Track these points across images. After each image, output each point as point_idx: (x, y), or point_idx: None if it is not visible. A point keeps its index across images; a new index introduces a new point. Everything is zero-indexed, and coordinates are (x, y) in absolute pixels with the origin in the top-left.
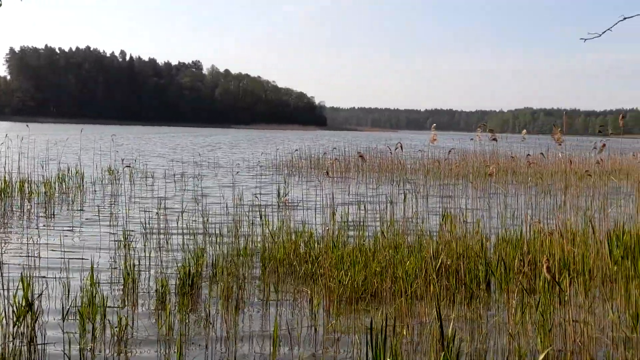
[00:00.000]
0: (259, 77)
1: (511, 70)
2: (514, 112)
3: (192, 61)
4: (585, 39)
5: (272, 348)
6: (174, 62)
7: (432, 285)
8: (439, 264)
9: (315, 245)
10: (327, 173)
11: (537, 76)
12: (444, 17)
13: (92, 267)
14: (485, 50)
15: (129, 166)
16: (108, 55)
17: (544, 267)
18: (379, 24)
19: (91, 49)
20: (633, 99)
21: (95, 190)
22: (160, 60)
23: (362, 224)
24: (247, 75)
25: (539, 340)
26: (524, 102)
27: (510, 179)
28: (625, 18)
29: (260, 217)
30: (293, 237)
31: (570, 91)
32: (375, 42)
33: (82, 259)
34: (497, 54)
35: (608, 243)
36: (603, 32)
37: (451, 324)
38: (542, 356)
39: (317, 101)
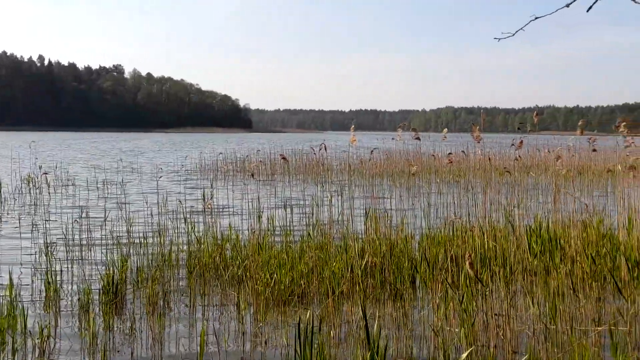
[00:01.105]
0: (182, 80)
1: (433, 69)
2: (436, 111)
3: (113, 65)
4: (499, 39)
5: (199, 352)
6: (95, 67)
7: (358, 285)
8: (364, 264)
9: (242, 248)
10: (252, 175)
11: (458, 75)
12: (365, 18)
13: (10, 278)
14: (408, 50)
15: (47, 174)
16: (26, 60)
17: (467, 262)
18: (302, 26)
19: (7, 54)
20: (549, 96)
21: (14, 199)
22: (80, 65)
23: (288, 225)
24: (170, 79)
25: (463, 335)
26: (445, 101)
27: (433, 177)
28: (536, 18)
29: (185, 222)
30: (219, 241)
31: (490, 89)
32: (299, 44)
33: (0, 269)
34: (419, 54)
35: (527, 238)
36: (516, 32)
37: (376, 322)
38: (465, 355)
39: (242, 103)
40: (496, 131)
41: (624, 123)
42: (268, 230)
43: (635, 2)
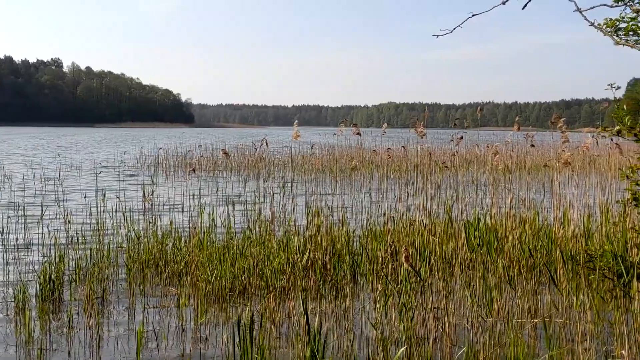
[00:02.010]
0: (122, 74)
1: (376, 66)
2: (379, 107)
3: (52, 59)
4: (438, 36)
5: (137, 350)
6: (32, 60)
7: (299, 280)
8: (305, 259)
9: (183, 244)
10: (194, 171)
11: (400, 72)
12: (309, 15)
13: None
14: (351, 46)
15: None
16: None
17: (403, 256)
18: (246, 22)
19: None
20: (489, 93)
21: None
22: (17, 58)
23: (230, 221)
24: (110, 73)
25: (402, 328)
26: (387, 97)
27: (375, 172)
28: (473, 15)
29: (125, 218)
30: (160, 236)
31: (432, 86)
32: (243, 39)
33: None
34: (362, 50)
35: (466, 232)
36: (454, 29)
37: (317, 316)
38: (403, 349)
39: (183, 98)
40: (437, 127)
41: (561, 119)
42: (209, 226)
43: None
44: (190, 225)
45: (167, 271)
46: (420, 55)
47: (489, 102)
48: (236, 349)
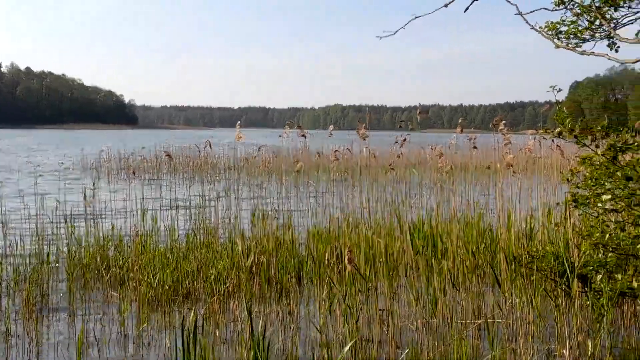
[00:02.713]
0: (63, 75)
1: (322, 68)
2: (325, 109)
3: None
4: (381, 37)
5: (76, 357)
6: None
7: (243, 284)
8: (250, 262)
9: (125, 248)
10: (134, 173)
11: (347, 74)
12: (255, 17)
13: None
14: (297, 48)
15: None
16: None
17: (346, 258)
18: (191, 22)
19: None
20: (435, 95)
21: None
22: None
23: (174, 224)
24: (51, 73)
25: (347, 331)
26: (334, 100)
27: (321, 175)
28: (416, 17)
29: (65, 222)
30: (101, 241)
31: (378, 88)
32: (188, 40)
33: None
34: (308, 52)
35: (411, 234)
36: (397, 31)
37: (261, 320)
38: (347, 348)
39: (127, 99)
40: (383, 129)
41: (503, 121)
42: (152, 229)
43: (510, 3)
44: (133, 229)
45: (108, 276)
46: (367, 58)
47: (435, 104)
48: (179, 354)
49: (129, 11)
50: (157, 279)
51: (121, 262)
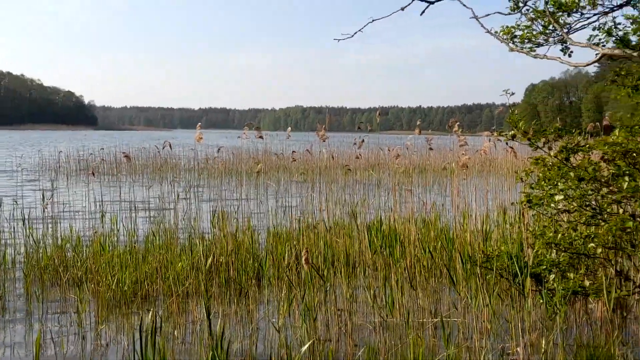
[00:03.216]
0: (22, 75)
1: (283, 69)
2: (286, 110)
3: None
4: (339, 39)
5: (35, 358)
6: None
7: (202, 284)
8: (209, 263)
9: (84, 249)
10: (93, 174)
11: (308, 76)
12: (217, 17)
13: None
14: (258, 50)
15: None
16: None
17: (303, 258)
18: (151, 23)
19: None
20: (394, 97)
21: None
22: None
23: (133, 225)
24: (9, 74)
25: (305, 330)
26: (295, 101)
27: (281, 175)
28: (373, 20)
29: (23, 223)
30: (59, 242)
31: (338, 90)
32: (148, 40)
33: None
34: (269, 54)
35: (368, 234)
36: (355, 33)
37: (219, 320)
38: (305, 347)
39: (86, 100)
40: (343, 130)
41: (457, 123)
42: (111, 231)
43: (465, 7)
44: (92, 230)
45: (67, 277)
46: (328, 60)
47: (394, 106)
48: (137, 354)
49: (90, 13)
50: (115, 280)
51: (79, 263)
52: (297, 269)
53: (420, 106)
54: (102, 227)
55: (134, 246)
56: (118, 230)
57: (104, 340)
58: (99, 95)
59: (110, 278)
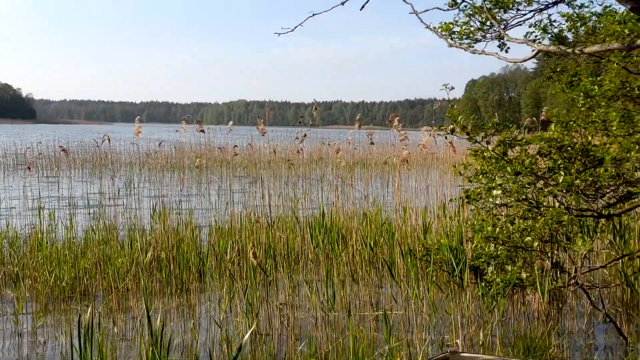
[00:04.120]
0: None
1: (226, 63)
2: (229, 104)
3: None
4: (280, 34)
5: None
6: None
7: (142, 280)
8: (149, 258)
9: (21, 245)
10: (29, 168)
11: (251, 70)
12: (160, 12)
13: None
14: (199, 43)
15: None
16: None
17: (250, 253)
18: (93, 16)
19: None
20: (338, 92)
21: None
22: None
23: (72, 221)
24: None
25: (247, 325)
26: (238, 95)
27: (223, 170)
28: (314, 14)
29: None
30: None
31: (282, 84)
32: (86, 32)
33: None
34: (210, 47)
35: (310, 228)
36: (295, 27)
37: (159, 316)
38: (246, 338)
39: (24, 93)
40: (288, 125)
41: (397, 117)
42: (50, 226)
43: (405, 2)
44: (29, 226)
45: (2, 273)
46: (272, 54)
47: (338, 100)
48: (75, 352)
49: (27, 5)
50: (53, 276)
51: (16, 259)
52: (239, 264)
53: (363, 101)
54: (40, 222)
55: (73, 242)
56: (56, 226)
57: (41, 338)
58: (38, 88)
59: (47, 274)
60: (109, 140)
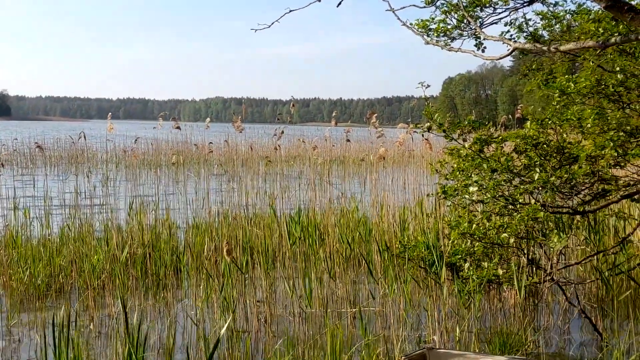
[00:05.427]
0: None
1: (203, 60)
2: (206, 101)
3: None
4: (256, 30)
5: None
6: None
7: (118, 277)
8: (125, 255)
9: None
10: (2, 165)
11: (229, 67)
12: (135, 9)
13: None
14: (176, 39)
15: None
16: None
17: (224, 250)
18: (65, 12)
19: None
20: (316, 90)
21: None
22: None
23: (47, 218)
24: None
25: (224, 322)
26: (216, 92)
27: (201, 167)
28: (290, 10)
29: None
30: None
31: (260, 81)
32: (62, 29)
33: None
34: (187, 43)
35: (287, 225)
36: (272, 24)
37: (136, 313)
38: (222, 332)
39: None
40: (265, 122)
41: (375, 114)
42: (24, 223)
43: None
44: (4, 222)
45: None
46: (249, 52)
47: (315, 98)
48: (49, 350)
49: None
50: (27, 274)
51: None
52: (216, 261)
53: (341, 98)
54: (15, 219)
55: (48, 239)
56: (31, 223)
57: (16, 336)
58: (13, 84)
59: (22, 272)
60: (84, 137)
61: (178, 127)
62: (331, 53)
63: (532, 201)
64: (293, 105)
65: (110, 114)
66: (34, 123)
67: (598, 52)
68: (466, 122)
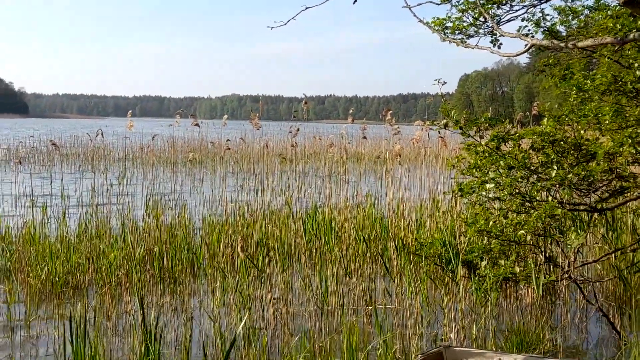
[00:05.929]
0: None
1: (219, 57)
2: (222, 99)
3: None
4: (272, 27)
5: None
6: None
7: (135, 274)
8: (142, 252)
9: (13, 239)
10: (20, 162)
11: (245, 64)
12: (150, 3)
13: None
14: (193, 37)
15: None
16: None
17: (239, 247)
18: (86, 8)
19: None
20: (331, 87)
21: None
22: None
23: (65, 215)
24: None
25: (239, 320)
26: (231, 89)
27: (217, 164)
28: (307, 8)
29: None
30: None
31: (275, 78)
32: (79, 27)
33: None
34: (203, 40)
35: (304, 223)
36: (288, 21)
37: (152, 310)
38: (238, 329)
39: (16, 87)
40: (280, 119)
41: (390, 112)
42: (42, 220)
43: None
44: (22, 219)
45: None
46: (266, 48)
47: (331, 95)
48: (68, 346)
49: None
50: (45, 270)
51: (8, 254)
52: (232, 258)
53: (356, 95)
54: (32, 216)
55: (65, 236)
56: (49, 220)
57: (33, 332)
58: (30, 82)
59: (40, 269)
60: (102, 134)
61: (197, 124)
62: (347, 49)
63: (550, 198)
64: (305, 103)
65: (130, 111)
66: (51, 121)
67: (615, 48)
68: (483, 119)
